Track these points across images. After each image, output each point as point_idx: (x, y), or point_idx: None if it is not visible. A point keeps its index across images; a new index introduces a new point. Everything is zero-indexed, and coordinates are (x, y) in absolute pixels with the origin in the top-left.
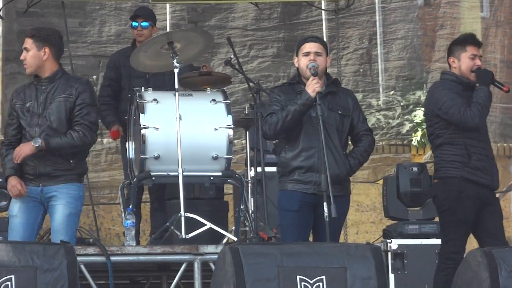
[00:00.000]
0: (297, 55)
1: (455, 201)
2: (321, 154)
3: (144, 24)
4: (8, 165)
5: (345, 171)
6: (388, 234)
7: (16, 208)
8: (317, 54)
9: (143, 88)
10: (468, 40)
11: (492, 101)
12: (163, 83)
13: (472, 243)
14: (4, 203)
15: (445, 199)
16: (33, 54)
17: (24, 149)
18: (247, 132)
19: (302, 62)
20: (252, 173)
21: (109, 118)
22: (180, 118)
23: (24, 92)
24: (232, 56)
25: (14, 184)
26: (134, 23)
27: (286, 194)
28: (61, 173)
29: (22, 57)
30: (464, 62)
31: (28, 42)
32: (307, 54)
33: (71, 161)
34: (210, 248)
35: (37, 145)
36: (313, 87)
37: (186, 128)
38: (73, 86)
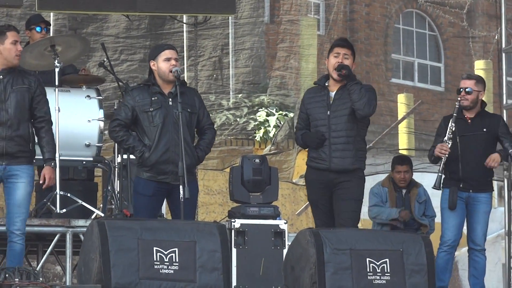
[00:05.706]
0: (154, 60)
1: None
2: (174, 147)
3: (46, 29)
4: None
5: (195, 161)
6: (232, 214)
7: None
8: (176, 60)
9: None
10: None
11: None
12: (50, 79)
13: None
14: None
15: None
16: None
17: None
18: None
19: (164, 66)
20: (119, 159)
21: None
22: (59, 110)
23: None
24: (105, 59)
25: None
26: (38, 28)
27: (142, 181)
28: (23, 154)
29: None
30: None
31: None
32: (168, 59)
33: (30, 144)
34: (81, 222)
35: None
36: None
37: (64, 119)
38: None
